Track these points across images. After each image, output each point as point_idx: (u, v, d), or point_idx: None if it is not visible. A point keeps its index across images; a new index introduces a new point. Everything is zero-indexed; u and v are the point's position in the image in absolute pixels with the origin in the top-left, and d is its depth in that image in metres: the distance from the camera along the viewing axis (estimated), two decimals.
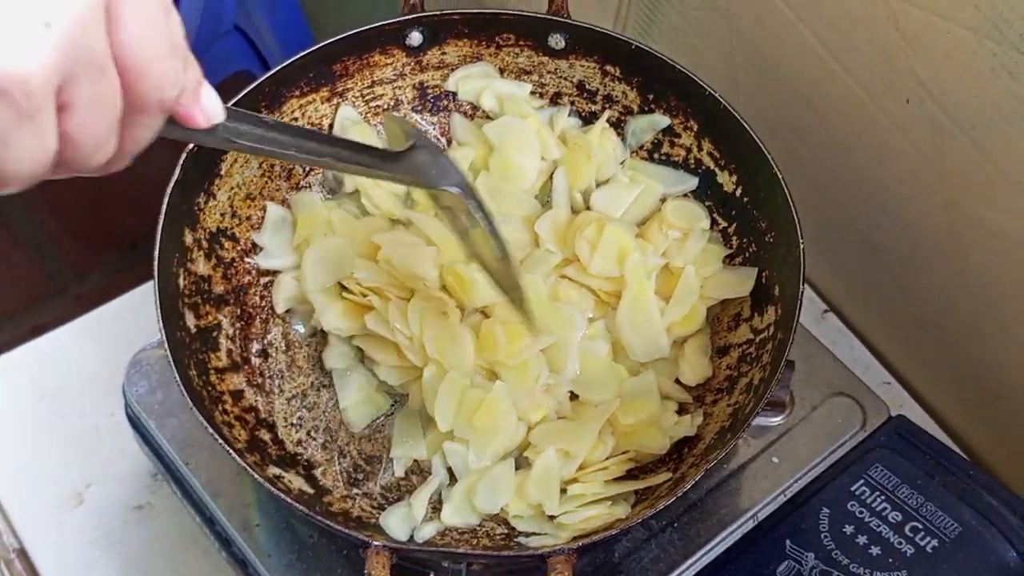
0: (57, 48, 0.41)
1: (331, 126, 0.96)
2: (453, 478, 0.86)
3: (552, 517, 0.83)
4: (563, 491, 0.83)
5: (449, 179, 0.73)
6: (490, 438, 0.85)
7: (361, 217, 0.95)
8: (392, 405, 0.91)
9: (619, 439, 0.86)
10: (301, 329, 0.93)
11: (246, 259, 0.93)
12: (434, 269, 0.90)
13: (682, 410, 0.89)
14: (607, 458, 0.85)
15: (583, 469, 0.84)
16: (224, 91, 1.49)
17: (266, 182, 0.94)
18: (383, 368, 0.90)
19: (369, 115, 0.97)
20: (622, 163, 0.97)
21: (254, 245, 0.93)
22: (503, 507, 0.84)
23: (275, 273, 0.93)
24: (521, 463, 0.86)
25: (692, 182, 0.96)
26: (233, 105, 0.88)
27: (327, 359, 0.92)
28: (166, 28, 0.47)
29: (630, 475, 0.86)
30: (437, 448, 0.87)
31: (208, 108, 0.54)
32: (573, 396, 0.89)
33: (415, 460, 0.88)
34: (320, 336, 0.93)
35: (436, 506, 0.86)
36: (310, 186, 0.96)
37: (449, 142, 0.99)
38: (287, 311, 0.93)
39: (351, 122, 0.96)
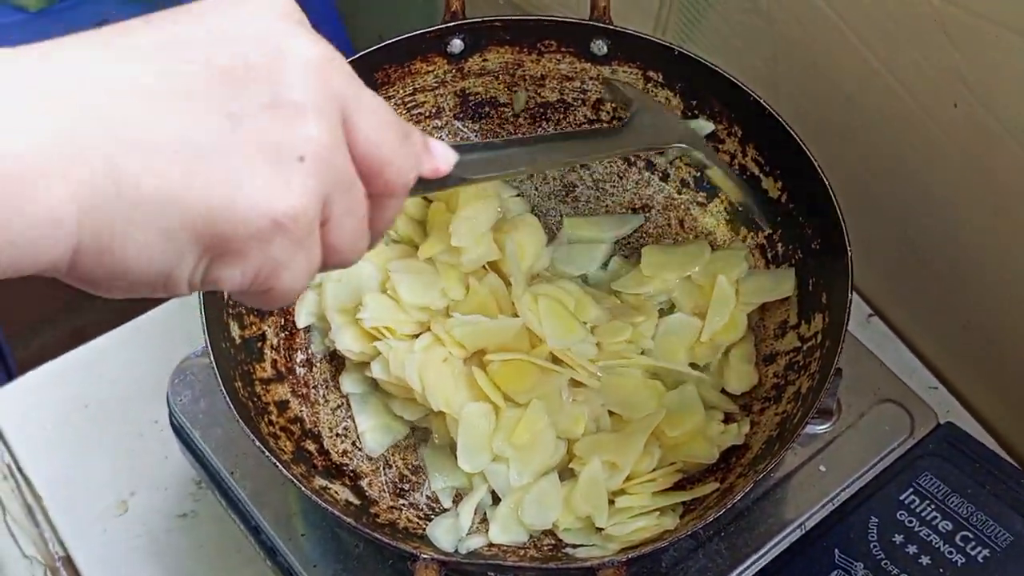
0: (314, 176, 0.45)
1: None
2: (495, 496, 0.86)
3: (600, 528, 0.82)
4: (611, 502, 0.83)
5: (672, 135, 0.80)
6: (531, 456, 0.84)
7: (389, 243, 0.95)
8: (410, 432, 0.90)
9: (665, 450, 0.85)
10: (318, 347, 0.92)
11: None
12: (442, 302, 0.90)
13: (728, 419, 0.88)
14: (654, 469, 0.84)
15: (630, 480, 0.84)
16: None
17: None
18: (397, 403, 0.89)
19: (411, 123, 0.97)
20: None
21: None
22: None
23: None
24: (565, 475, 0.86)
25: (636, 220, 0.97)
26: None
27: (343, 383, 0.91)
28: (393, 118, 0.51)
29: (677, 486, 0.85)
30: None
31: (444, 155, 0.57)
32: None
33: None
34: (339, 357, 0.92)
35: (484, 516, 0.85)
36: None
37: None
38: (306, 328, 0.93)
39: None
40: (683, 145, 0.79)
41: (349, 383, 0.91)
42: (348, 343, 0.89)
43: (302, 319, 0.92)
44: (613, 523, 0.82)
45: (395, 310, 0.89)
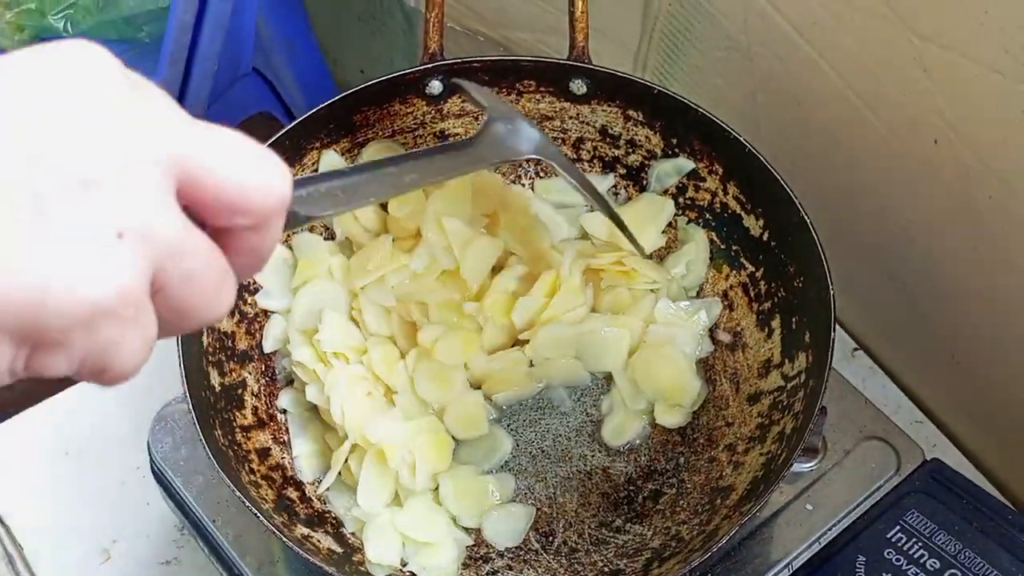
0: (136, 252, 0.41)
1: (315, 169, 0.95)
2: None
3: None
4: None
5: (527, 145, 0.77)
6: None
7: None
8: None
9: None
10: (282, 373, 0.92)
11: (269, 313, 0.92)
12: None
13: None
14: None
15: None
16: (244, 133, 1.49)
17: (288, 234, 0.93)
18: (334, 436, 0.89)
19: None
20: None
21: None
22: None
23: None
24: None
25: (607, 182, 0.98)
26: None
27: (282, 399, 0.91)
28: (240, 142, 0.46)
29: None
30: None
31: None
32: None
33: None
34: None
35: (467, 563, 0.85)
36: (313, 228, 0.96)
37: None
38: (273, 352, 0.92)
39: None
40: (537, 156, 0.77)
41: (288, 400, 0.91)
42: (304, 358, 0.89)
43: (269, 344, 0.91)
44: None
45: (352, 336, 0.89)
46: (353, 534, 0.86)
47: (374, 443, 0.84)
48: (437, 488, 0.87)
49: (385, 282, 0.91)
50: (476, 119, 0.97)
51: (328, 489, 0.87)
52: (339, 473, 0.86)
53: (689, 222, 0.96)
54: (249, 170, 0.45)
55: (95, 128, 0.41)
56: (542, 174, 0.99)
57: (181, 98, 1.26)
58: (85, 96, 0.42)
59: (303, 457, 0.89)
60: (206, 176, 0.44)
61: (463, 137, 0.98)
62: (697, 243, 0.95)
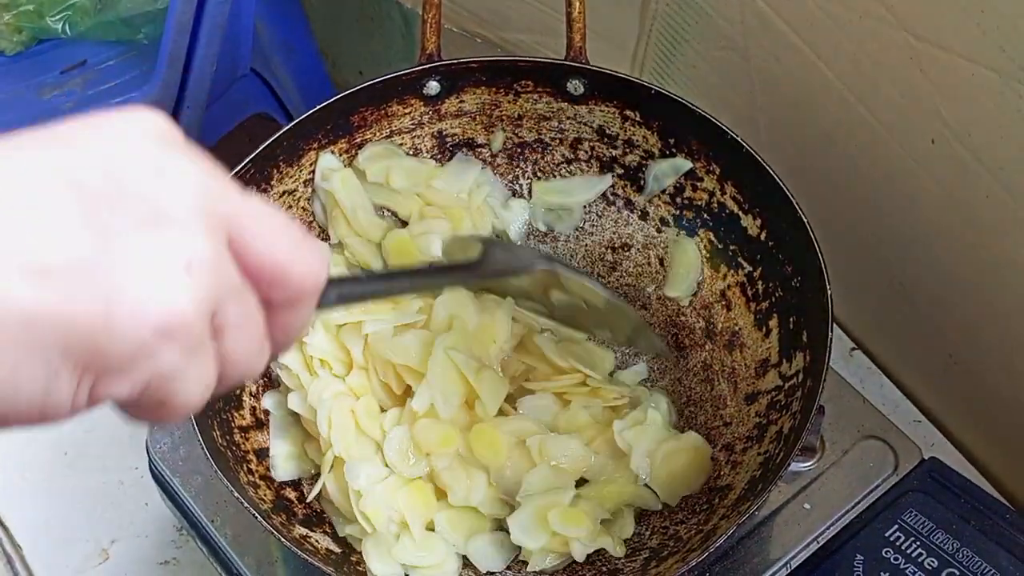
0: (200, 282, 0.43)
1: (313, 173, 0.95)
2: None
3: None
4: None
5: (533, 261, 0.78)
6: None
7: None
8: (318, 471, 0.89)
9: None
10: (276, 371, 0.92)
11: None
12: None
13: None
14: None
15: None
16: (243, 134, 1.48)
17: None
18: (312, 445, 0.88)
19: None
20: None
21: None
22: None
23: None
24: None
25: (604, 183, 0.98)
26: (254, 158, 0.89)
27: (265, 399, 0.90)
28: (287, 221, 0.48)
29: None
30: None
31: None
32: None
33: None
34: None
35: (467, 561, 0.85)
36: (310, 229, 0.96)
37: None
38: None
39: (331, 170, 0.95)
40: (545, 266, 0.78)
41: (271, 402, 0.90)
42: (291, 363, 0.88)
43: None
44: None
45: (339, 346, 0.89)
46: (350, 535, 0.86)
47: (355, 490, 0.83)
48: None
49: (360, 330, 0.89)
50: (474, 119, 0.97)
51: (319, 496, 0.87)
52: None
53: (686, 224, 0.96)
54: (294, 248, 0.47)
55: (165, 174, 0.44)
56: (539, 175, 0.99)
57: (179, 99, 1.26)
58: (155, 147, 0.45)
59: (279, 457, 0.88)
60: (253, 242, 0.46)
61: (459, 139, 0.98)
62: (688, 256, 0.96)
